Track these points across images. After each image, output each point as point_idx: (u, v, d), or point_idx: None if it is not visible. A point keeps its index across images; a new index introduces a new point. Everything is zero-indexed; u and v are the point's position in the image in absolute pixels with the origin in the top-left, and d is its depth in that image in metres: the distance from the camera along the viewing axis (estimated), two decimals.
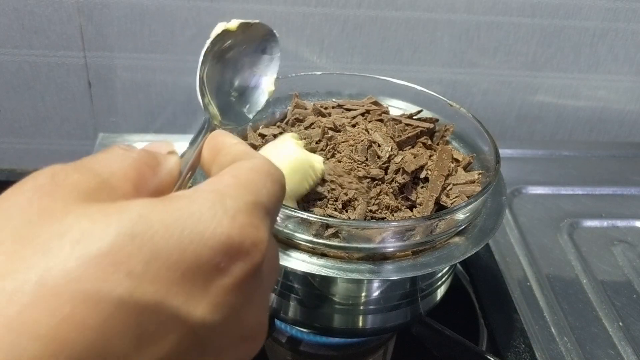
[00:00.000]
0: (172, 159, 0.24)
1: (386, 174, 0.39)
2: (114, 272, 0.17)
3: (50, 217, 0.18)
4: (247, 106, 0.36)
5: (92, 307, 0.17)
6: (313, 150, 0.40)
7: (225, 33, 0.34)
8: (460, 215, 0.37)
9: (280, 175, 0.24)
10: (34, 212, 0.18)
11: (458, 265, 0.53)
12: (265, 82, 0.37)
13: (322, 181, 0.38)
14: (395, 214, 0.38)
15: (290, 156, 0.36)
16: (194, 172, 0.27)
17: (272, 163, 0.24)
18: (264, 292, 0.23)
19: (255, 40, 0.36)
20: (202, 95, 0.32)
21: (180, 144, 0.78)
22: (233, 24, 0.34)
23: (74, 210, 0.18)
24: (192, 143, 0.28)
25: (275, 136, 0.43)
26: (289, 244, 0.36)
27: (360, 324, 0.41)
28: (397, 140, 0.42)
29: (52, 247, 0.17)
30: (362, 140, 0.40)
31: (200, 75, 0.32)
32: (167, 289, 0.18)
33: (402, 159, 0.40)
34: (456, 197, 0.40)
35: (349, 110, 0.46)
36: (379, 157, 0.40)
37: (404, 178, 0.39)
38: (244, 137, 0.44)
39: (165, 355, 0.18)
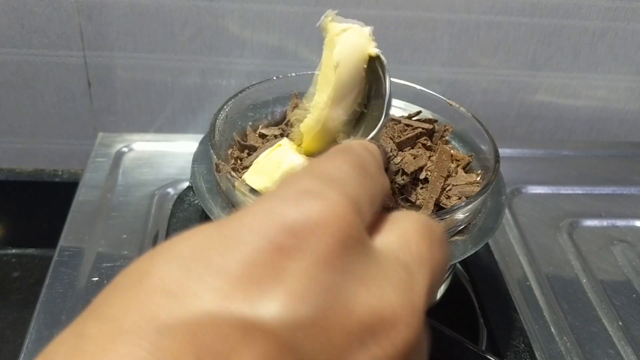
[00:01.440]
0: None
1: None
2: None
3: None
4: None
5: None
6: None
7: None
8: (459, 215, 0.37)
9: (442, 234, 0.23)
10: None
11: (458, 264, 0.53)
12: None
13: None
14: None
15: (291, 164, 0.36)
16: None
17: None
18: None
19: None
20: None
21: (180, 143, 0.77)
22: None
23: None
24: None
25: (275, 137, 0.43)
26: None
27: None
28: (396, 141, 0.42)
29: None
30: None
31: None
32: None
33: (402, 159, 0.40)
34: (457, 199, 0.40)
35: None
36: None
37: (403, 179, 0.39)
38: (244, 137, 0.44)
39: None
